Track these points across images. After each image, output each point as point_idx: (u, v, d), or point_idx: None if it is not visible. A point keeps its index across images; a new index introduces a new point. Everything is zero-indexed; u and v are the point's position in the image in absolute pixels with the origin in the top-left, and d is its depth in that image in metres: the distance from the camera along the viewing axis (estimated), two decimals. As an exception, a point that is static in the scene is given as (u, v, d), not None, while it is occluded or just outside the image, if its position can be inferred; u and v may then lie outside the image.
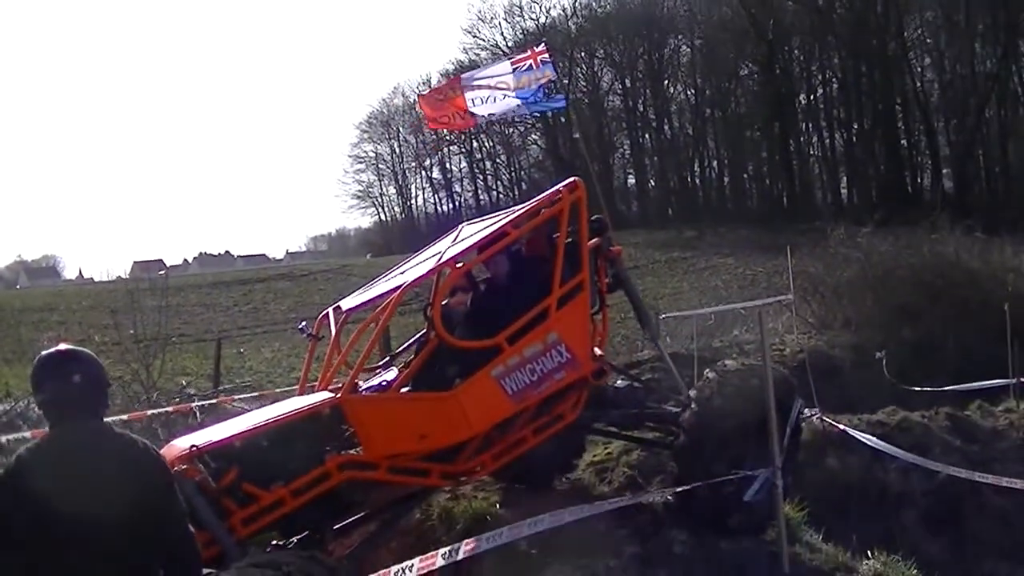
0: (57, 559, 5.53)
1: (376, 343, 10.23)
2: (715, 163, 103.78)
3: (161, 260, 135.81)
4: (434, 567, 7.22)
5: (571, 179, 10.44)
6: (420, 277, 10.04)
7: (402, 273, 10.94)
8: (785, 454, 10.20)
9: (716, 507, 10.05)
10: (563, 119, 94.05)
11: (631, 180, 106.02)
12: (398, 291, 9.79)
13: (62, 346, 6.21)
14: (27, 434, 11.73)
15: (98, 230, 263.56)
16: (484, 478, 11.21)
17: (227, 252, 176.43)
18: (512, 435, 9.96)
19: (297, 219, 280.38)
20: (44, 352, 6.09)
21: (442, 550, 7.23)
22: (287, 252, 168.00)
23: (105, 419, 6.19)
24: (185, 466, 8.33)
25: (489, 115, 13.22)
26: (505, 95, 12.74)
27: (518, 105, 12.90)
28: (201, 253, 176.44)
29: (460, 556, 7.51)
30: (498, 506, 11.12)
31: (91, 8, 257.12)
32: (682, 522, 10.23)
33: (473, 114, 12.95)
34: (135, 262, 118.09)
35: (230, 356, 34.27)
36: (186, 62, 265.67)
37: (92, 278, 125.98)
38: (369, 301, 10.81)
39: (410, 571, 6.97)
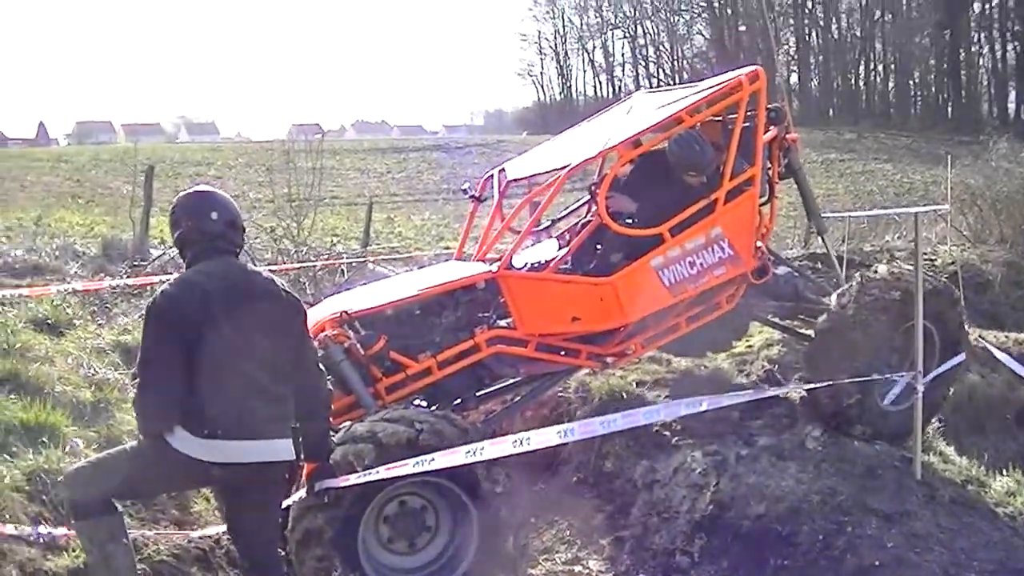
0: (200, 382, 5.84)
1: (538, 221, 10.16)
2: (881, 67, 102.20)
3: (318, 124, 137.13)
4: (550, 443, 7.34)
5: (752, 68, 10.09)
6: (590, 158, 9.77)
7: (569, 146, 10.63)
8: (940, 365, 9.97)
9: (837, 413, 9.82)
10: (729, 11, 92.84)
11: (794, 77, 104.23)
12: (565, 171, 9.52)
13: (201, 187, 6.54)
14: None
15: (259, 94, 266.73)
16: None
17: (383, 121, 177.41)
18: (666, 322, 9.86)
19: (457, 95, 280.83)
20: (184, 192, 6.42)
21: (558, 428, 7.32)
22: (443, 126, 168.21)
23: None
24: (335, 331, 8.50)
25: None
26: None
27: None
28: (358, 120, 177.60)
29: (576, 437, 7.59)
30: (635, 384, 11.18)
31: None
32: (817, 420, 10.21)
33: None
34: (293, 125, 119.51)
35: (380, 221, 34.76)
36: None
37: (249, 138, 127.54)
38: (535, 175, 10.58)
39: (527, 443, 7.12)
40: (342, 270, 17.13)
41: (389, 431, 7.28)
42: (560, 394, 11.22)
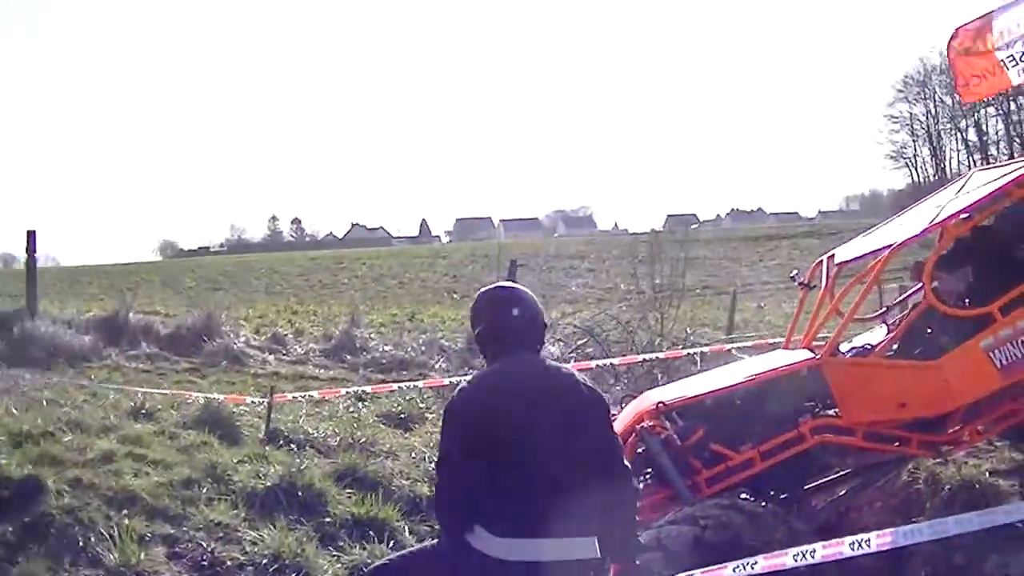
0: (501, 481, 5.78)
1: (862, 303, 9.86)
2: None
3: (694, 214, 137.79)
4: (892, 545, 6.98)
5: None
6: (913, 237, 9.40)
7: (900, 226, 10.28)
8: None
9: None
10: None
11: None
12: (889, 250, 9.27)
13: (503, 283, 6.55)
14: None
15: (635, 185, 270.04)
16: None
17: (759, 209, 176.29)
18: (1002, 406, 9.32)
19: (831, 179, 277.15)
20: (485, 287, 6.39)
21: (903, 528, 6.95)
22: (819, 211, 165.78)
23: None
24: (652, 422, 8.46)
25: (1017, 79, 11.89)
26: None
27: None
28: (733, 209, 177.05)
29: (923, 539, 7.17)
30: (988, 474, 10.60)
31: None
32: None
33: (1001, 71, 11.74)
34: (668, 215, 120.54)
35: (749, 310, 34.44)
36: (718, 13, 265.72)
37: (627, 229, 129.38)
38: (865, 254, 10.25)
39: (866, 544, 6.77)
40: (696, 359, 16.96)
41: (673, 534, 7.12)
42: (909, 484, 10.74)
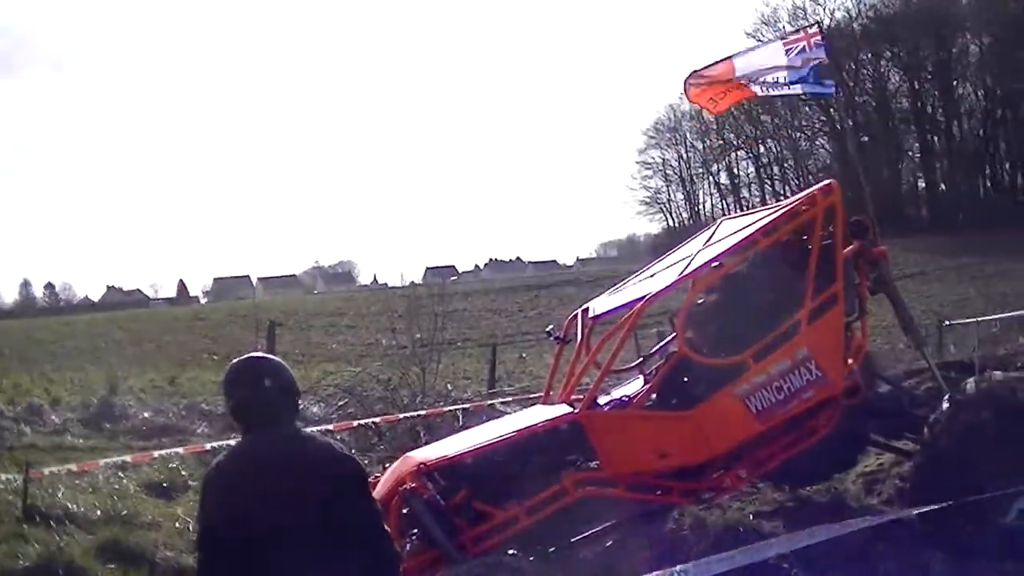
0: (256, 561, 5.64)
1: (617, 356, 9.99)
2: (1007, 166, 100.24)
3: (453, 266, 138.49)
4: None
5: (825, 182, 9.86)
6: (663, 289, 9.58)
7: (652, 277, 10.55)
8: None
9: (957, 530, 9.23)
10: (851, 122, 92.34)
11: (921, 184, 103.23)
12: (640, 303, 9.42)
13: (255, 353, 6.32)
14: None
15: (393, 238, 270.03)
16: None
17: (518, 258, 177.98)
18: (760, 451, 9.56)
19: (588, 226, 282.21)
20: (236, 359, 6.16)
21: (671, 569, 7.05)
22: (577, 259, 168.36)
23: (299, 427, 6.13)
24: (414, 483, 8.34)
25: (760, 91, 12.52)
26: (775, 77, 12.17)
27: (788, 82, 12.25)
28: (492, 259, 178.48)
29: None
30: (752, 516, 10.83)
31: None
32: (939, 543, 9.69)
33: (743, 86, 12.41)
34: (427, 268, 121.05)
35: (511, 361, 34.74)
36: (468, 66, 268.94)
37: (386, 284, 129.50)
38: (618, 307, 10.34)
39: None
40: (457, 415, 16.97)
41: None
42: (675, 530, 10.88)
